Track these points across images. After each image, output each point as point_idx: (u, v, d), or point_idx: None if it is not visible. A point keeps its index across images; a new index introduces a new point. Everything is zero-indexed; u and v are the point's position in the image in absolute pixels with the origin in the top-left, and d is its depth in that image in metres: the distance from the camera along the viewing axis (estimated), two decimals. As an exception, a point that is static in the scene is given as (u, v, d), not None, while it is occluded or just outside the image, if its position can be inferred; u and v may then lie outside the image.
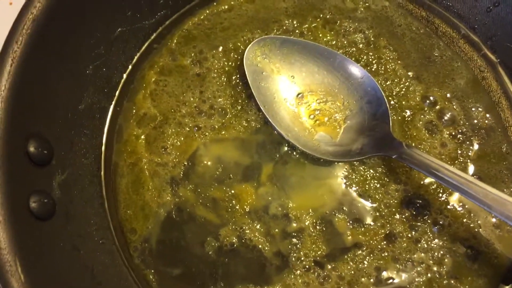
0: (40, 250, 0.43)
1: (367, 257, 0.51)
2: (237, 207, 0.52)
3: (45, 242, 0.44)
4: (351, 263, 0.51)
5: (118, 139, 0.55)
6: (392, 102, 0.56)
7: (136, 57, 0.58)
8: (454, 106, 0.56)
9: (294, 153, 0.54)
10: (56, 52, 0.49)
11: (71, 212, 0.48)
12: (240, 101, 0.56)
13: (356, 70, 0.56)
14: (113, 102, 0.56)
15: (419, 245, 0.51)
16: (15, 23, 0.45)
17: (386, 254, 0.51)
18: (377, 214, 0.52)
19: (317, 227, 0.52)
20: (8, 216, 0.40)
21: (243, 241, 0.51)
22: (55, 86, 0.49)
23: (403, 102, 0.56)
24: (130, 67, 0.58)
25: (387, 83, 0.57)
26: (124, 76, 0.57)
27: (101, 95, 0.55)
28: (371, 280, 0.50)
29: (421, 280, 0.50)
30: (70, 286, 0.44)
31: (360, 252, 0.51)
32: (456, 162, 0.54)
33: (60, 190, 0.48)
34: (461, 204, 0.52)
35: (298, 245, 0.51)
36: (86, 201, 0.51)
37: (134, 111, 0.56)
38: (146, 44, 0.59)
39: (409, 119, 0.55)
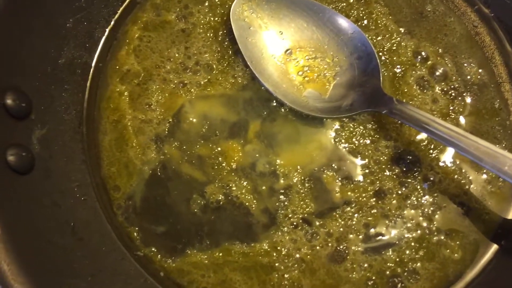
0: (18, 204, 0.42)
1: (356, 214, 0.50)
2: (224, 164, 0.51)
3: (24, 196, 0.43)
4: (340, 220, 0.49)
5: (100, 95, 0.53)
6: (383, 58, 0.54)
7: (119, 12, 0.56)
8: (446, 62, 0.54)
9: (282, 109, 0.53)
10: (34, 3, 0.47)
11: (51, 168, 0.47)
12: (226, 57, 0.54)
13: (346, 25, 0.54)
14: (95, 58, 0.54)
15: (409, 201, 0.50)
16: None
17: (375, 210, 0.50)
18: (367, 171, 0.51)
19: (306, 184, 0.50)
20: (-17, 168, 0.39)
21: (229, 198, 0.50)
22: (34, 38, 0.48)
23: (394, 58, 0.54)
24: (112, 22, 0.56)
25: (378, 39, 0.55)
26: (107, 31, 0.55)
27: (83, 50, 0.53)
28: (360, 236, 0.49)
29: (411, 236, 0.49)
30: (49, 240, 0.43)
31: (349, 209, 0.50)
32: (447, 118, 0.52)
33: (40, 145, 0.46)
34: (452, 160, 0.51)
35: (285, 202, 0.50)
36: (67, 157, 0.49)
37: (117, 67, 0.54)
38: (129, -2, 0.57)
39: (400, 75, 0.54)
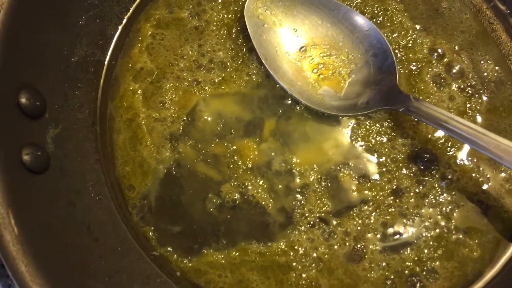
0: (34, 204, 0.41)
1: (374, 213, 0.49)
2: (239, 163, 0.50)
3: (39, 196, 0.42)
4: (357, 219, 0.49)
5: (114, 94, 0.53)
6: (398, 55, 0.54)
7: (131, 9, 0.55)
8: (463, 59, 0.54)
9: (298, 107, 0.52)
10: (47, 0, 0.46)
11: (66, 167, 0.46)
12: (240, 54, 0.54)
13: (361, 22, 0.53)
14: (108, 56, 0.54)
15: (427, 200, 0.49)
16: (3, -35, 0.43)
17: (393, 209, 0.49)
18: (384, 169, 0.50)
19: (322, 183, 0.50)
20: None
21: (245, 197, 0.50)
22: (46, 36, 0.47)
23: (410, 55, 0.54)
24: (125, 19, 0.55)
25: (393, 36, 0.54)
26: (119, 28, 0.55)
27: (95, 47, 0.52)
28: (378, 235, 0.49)
29: (429, 235, 0.49)
30: (65, 241, 0.42)
31: (366, 207, 0.49)
32: (464, 116, 0.52)
33: (54, 144, 0.46)
34: (470, 158, 0.51)
35: (302, 201, 0.49)
36: (82, 157, 0.49)
37: (130, 65, 0.54)
38: (141, -4, 0.56)
39: (416, 72, 0.53)
